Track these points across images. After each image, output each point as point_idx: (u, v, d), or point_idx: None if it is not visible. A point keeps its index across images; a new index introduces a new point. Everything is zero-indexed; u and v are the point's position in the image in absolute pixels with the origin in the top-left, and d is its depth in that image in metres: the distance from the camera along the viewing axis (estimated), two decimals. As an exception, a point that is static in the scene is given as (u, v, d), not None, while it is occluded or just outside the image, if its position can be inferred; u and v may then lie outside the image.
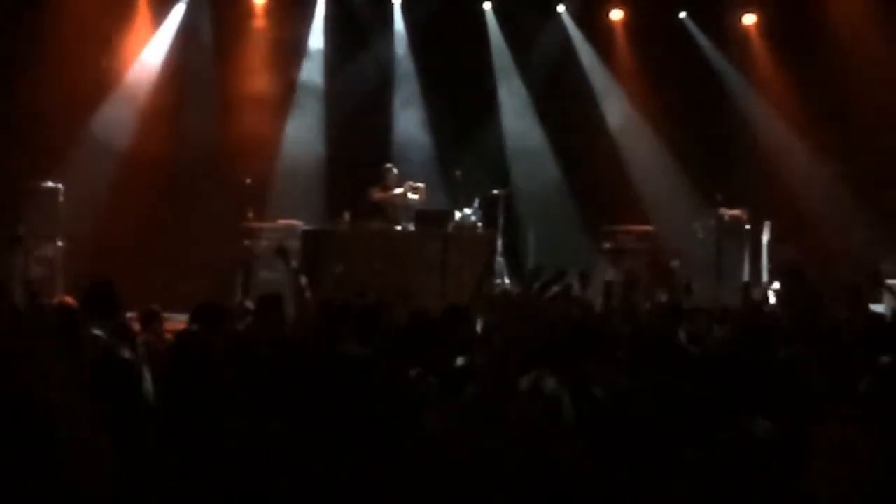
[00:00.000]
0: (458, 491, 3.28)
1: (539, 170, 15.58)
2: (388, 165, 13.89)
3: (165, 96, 14.67)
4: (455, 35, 15.32)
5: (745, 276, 13.40)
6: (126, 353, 4.87)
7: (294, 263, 9.46)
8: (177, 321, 8.47)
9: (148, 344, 6.27)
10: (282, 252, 8.75)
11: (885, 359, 4.82)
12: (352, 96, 15.19)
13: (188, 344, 5.09)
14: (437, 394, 4.49)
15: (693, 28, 15.69)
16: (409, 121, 15.46)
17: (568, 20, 15.99)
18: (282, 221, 13.83)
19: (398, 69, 15.68)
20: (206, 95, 14.81)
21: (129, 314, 6.75)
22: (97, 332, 5.25)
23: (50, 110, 13.20)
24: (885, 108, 13.86)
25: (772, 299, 12.46)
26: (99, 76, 14.27)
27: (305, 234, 13.10)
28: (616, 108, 15.80)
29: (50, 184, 13.02)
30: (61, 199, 13.01)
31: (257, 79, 15.09)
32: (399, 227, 13.26)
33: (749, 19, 15.61)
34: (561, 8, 16.02)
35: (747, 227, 13.87)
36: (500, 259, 13.47)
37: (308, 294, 7.01)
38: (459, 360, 5.04)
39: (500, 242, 13.54)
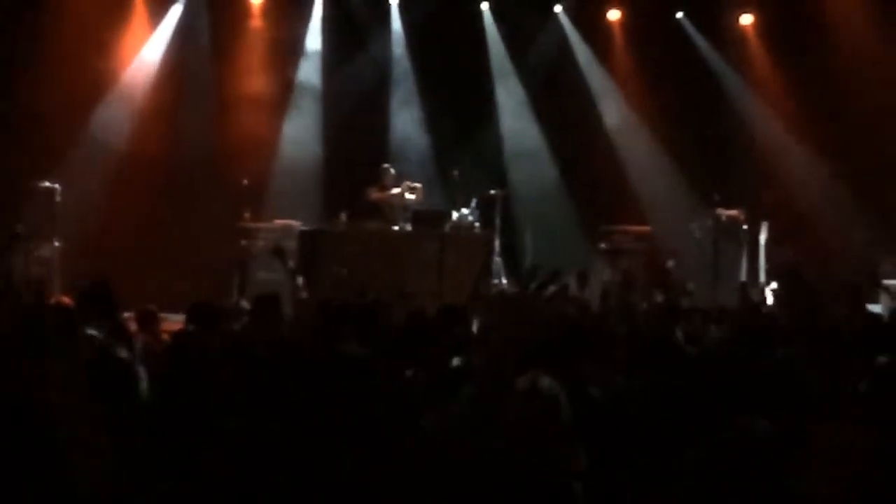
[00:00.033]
0: (455, 491, 3.28)
1: (536, 170, 15.58)
2: (386, 165, 13.89)
3: (162, 96, 14.67)
4: (452, 35, 15.31)
5: (743, 277, 13.39)
6: (122, 353, 4.86)
7: (291, 264, 9.47)
8: (173, 321, 8.46)
9: (145, 344, 6.26)
10: (279, 252, 8.75)
11: (882, 359, 4.82)
12: (349, 96, 15.18)
13: (185, 344, 5.08)
14: (434, 394, 4.49)
15: (690, 28, 15.69)
16: (406, 121, 15.45)
17: (565, 20, 16.00)
18: (279, 222, 13.82)
19: (395, 69, 15.67)
20: (203, 95, 14.80)
21: (125, 314, 6.73)
22: (93, 332, 5.24)
23: (49, 110, 13.20)
24: (881, 107, 13.84)
25: (769, 300, 12.46)
26: (98, 76, 14.27)
27: (302, 234, 13.09)
28: (613, 109, 15.80)
29: (47, 184, 13.00)
30: (58, 199, 12.99)
31: (254, 79, 15.08)
32: (396, 228, 13.26)
33: (746, 19, 15.62)
34: (558, 8, 16.02)
35: (744, 227, 13.87)
36: (497, 259, 13.47)
37: (304, 294, 7.02)
38: (456, 361, 5.03)
39: (497, 242, 13.55)
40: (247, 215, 13.64)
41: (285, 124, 15.23)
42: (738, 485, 3.53)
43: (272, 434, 3.57)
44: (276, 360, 4.74)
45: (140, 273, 12.35)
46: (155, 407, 4.51)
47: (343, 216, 13.24)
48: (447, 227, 13.11)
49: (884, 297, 10.87)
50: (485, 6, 15.87)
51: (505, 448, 3.35)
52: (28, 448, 3.30)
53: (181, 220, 14.15)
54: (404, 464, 3.46)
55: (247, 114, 14.91)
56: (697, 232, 14.19)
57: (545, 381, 3.69)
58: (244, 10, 15.25)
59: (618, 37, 15.89)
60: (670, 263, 13.56)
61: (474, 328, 6.64)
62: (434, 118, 15.39)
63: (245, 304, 8.20)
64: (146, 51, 14.82)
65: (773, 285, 12.91)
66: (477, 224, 13.29)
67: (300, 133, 15.22)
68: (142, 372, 4.74)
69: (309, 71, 15.41)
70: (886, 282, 11.05)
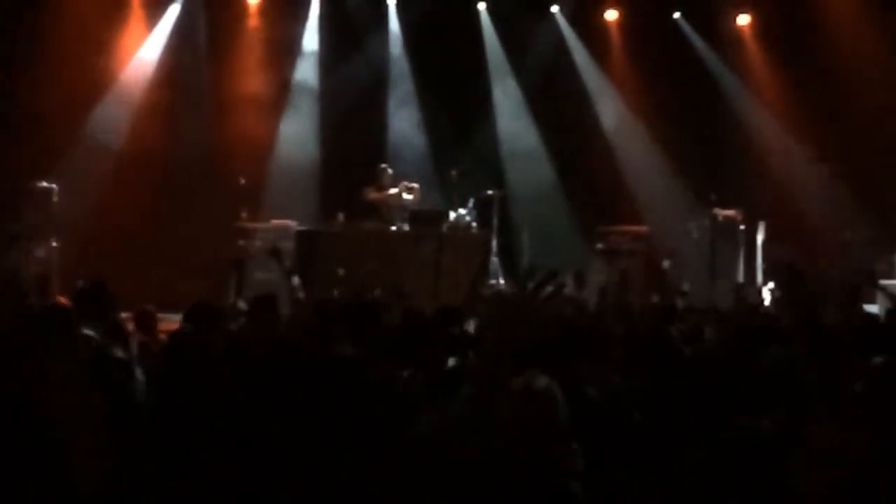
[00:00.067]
0: (452, 491, 3.28)
1: (533, 170, 15.59)
2: (383, 166, 13.89)
3: (160, 96, 14.66)
4: (450, 35, 15.33)
5: (740, 277, 13.41)
6: (119, 353, 4.87)
7: (288, 264, 9.45)
8: (171, 321, 8.45)
9: (142, 344, 6.25)
10: (275, 253, 8.74)
11: (878, 359, 4.82)
12: (346, 96, 15.19)
13: (182, 344, 5.07)
14: (431, 394, 4.49)
15: (687, 29, 15.71)
16: (403, 121, 15.46)
17: (562, 21, 16.01)
18: (276, 222, 13.82)
19: (393, 69, 15.68)
20: (200, 95, 14.81)
21: (123, 314, 6.73)
22: (89, 332, 5.24)
23: (49, 110, 13.20)
24: (879, 108, 13.86)
25: (766, 300, 12.47)
26: (97, 76, 14.27)
27: (299, 234, 13.09)
28: (610, 109, 15.82)
29: (44, 184, 13.00)
30: (55, 199, 12.99)
31: (252, 79, 15.08)
32: (394, 228, 13.27)
33: (743, 20, 15.63)
34: (555, 8, 16.03)
35: (741, 227, 13.88)
36: (494, 259, 13.48)
37: (302, 294, 7.01)
38: (452, 361, 5.04)
39: (494, 243, 13.56)
40: (244, 215, 13.64)
41: (282, 124, 15.23)
42: (736, 484, 3.54)
43: (270, 434, 3.58)
44: (274, 361, 4.74)
45: (137, 273, 12.34)
46: (152, 407, 4.51)
47: (340, 216, 13.24)
48: (444, 228, 13.12)
49: (880, 298, 10.87)
50: (482, 6, 15.88)
51: (502, 448, 3.35)
52: (27, 448, 3.30)
53: (178, 219, 14.15)
54: (401, 464, 3.46)
55: (244, 114, 14.91)
56: (695, 232, 14.20)
57: (542, 381, 3.69)
58: (241, 9, 15.25)
59: (615, 37, 15.90)
60: (666, 264, 13.58)
61: (471, 328, 6.64)
62: (431, 118, 15.40)
63: (242, 304, 8.19)
64: (144, 51, 14.82)
65: (770, 285, 12.92)
66: (474, 224, 13.29)
67: (297, 133, 15.22)
68: (139, 372, 4.74)
69: (306, 71, 15.42)
70: (883, 282, 11.05)
